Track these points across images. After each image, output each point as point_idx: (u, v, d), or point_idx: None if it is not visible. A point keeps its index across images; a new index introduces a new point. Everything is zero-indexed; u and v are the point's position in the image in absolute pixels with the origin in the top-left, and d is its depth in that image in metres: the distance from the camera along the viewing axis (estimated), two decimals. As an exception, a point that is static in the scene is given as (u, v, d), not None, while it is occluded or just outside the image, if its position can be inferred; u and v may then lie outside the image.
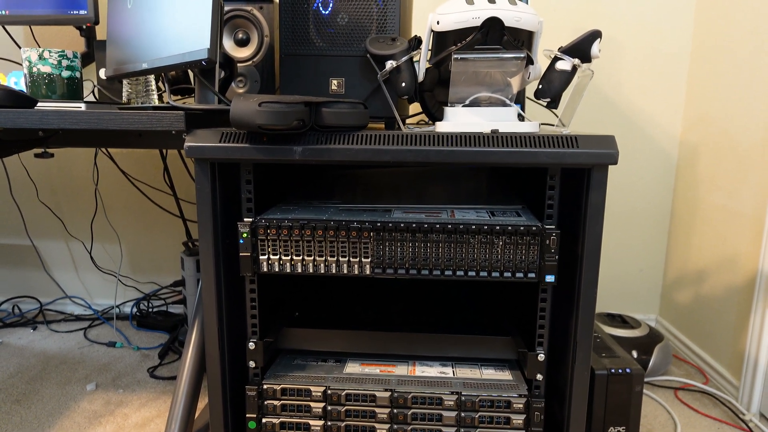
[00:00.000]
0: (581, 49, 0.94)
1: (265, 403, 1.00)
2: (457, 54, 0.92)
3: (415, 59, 1.03)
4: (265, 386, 1.00)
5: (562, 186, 0.92)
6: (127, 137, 1.20)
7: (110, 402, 1.41)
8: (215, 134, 0.90)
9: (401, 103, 1.17)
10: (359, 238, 0.92)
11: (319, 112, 0.89)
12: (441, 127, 0.95)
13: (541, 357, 0.96)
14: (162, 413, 1.36)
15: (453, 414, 0.97)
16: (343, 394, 0.99)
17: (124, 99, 1.25)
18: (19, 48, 1.71)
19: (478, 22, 0.91)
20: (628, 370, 1.07)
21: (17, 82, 1.34)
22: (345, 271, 0.94)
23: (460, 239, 0.91)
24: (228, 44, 1.33)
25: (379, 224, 0.91)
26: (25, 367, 1.60)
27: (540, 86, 0.99)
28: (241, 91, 1.33)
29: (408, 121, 1.50)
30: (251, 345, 1.00)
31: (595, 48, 0.94)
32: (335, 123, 0.90)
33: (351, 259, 0.93)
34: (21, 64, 1.77)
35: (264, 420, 1.00)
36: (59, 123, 0.92)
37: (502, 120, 0.95)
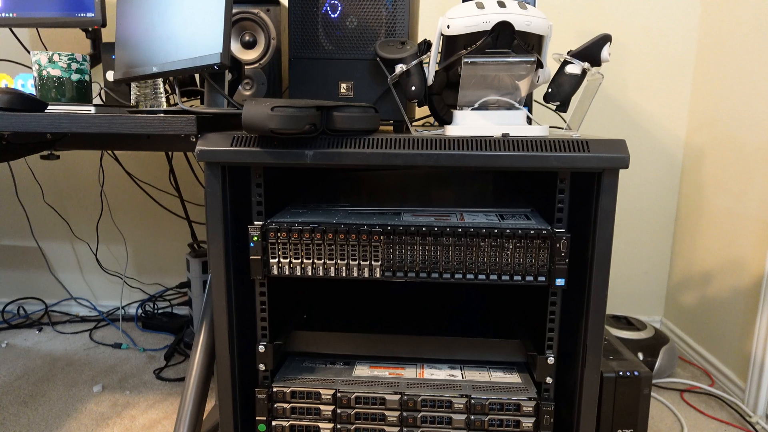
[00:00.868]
0: (591, 52, 0.95)
1: (275, 405, 1.01)
2: (467, 58, 0.92)
3: (424, 63, 1.04)
4: (274, 389, 1.00)
5: (571, 189, 0.92)
6: (136, 140, 1.20)
7: (117, 404, 1.41)
8: (226, 138, 0.91)
9: (408, 106, 1.17)
10: (369, 241, 0.92)
11: (331, 116, 0.89)
12: (450, 130, 0.95)
13: (551, 360, 0.96)
14: (169, 415, 1.36)
15: (462, 417, 0.98)
16: (352, 397, 0.99)
17: (133, 102, 1.25)
18: (27, 51, 1.71)
19: (488, 26, 0.91)
20: (636, 373, 1.07)
21: (24, 84, 1.34)
22: (355, 274, 0.94)
23: (470, 242, 0.91)
24: (235, 47, 1.33)
25: (389, 227, 0.92)
26: (32, 368, 1.60)
27: (549, 90, 0.99)
28: (248, 93, 1.34)
29: (414, 124, 1.50)
30: (261, 348, 1.00)
31: (605, 52, 0.94)
32: (347, 127, 0.90)
33: (361, 262, 0.93)
34: (27, 67, 1.78)
35: (274, 423, 1.01)
36: (70, 127, 0.92)
37: (511, 123, 0.95)
